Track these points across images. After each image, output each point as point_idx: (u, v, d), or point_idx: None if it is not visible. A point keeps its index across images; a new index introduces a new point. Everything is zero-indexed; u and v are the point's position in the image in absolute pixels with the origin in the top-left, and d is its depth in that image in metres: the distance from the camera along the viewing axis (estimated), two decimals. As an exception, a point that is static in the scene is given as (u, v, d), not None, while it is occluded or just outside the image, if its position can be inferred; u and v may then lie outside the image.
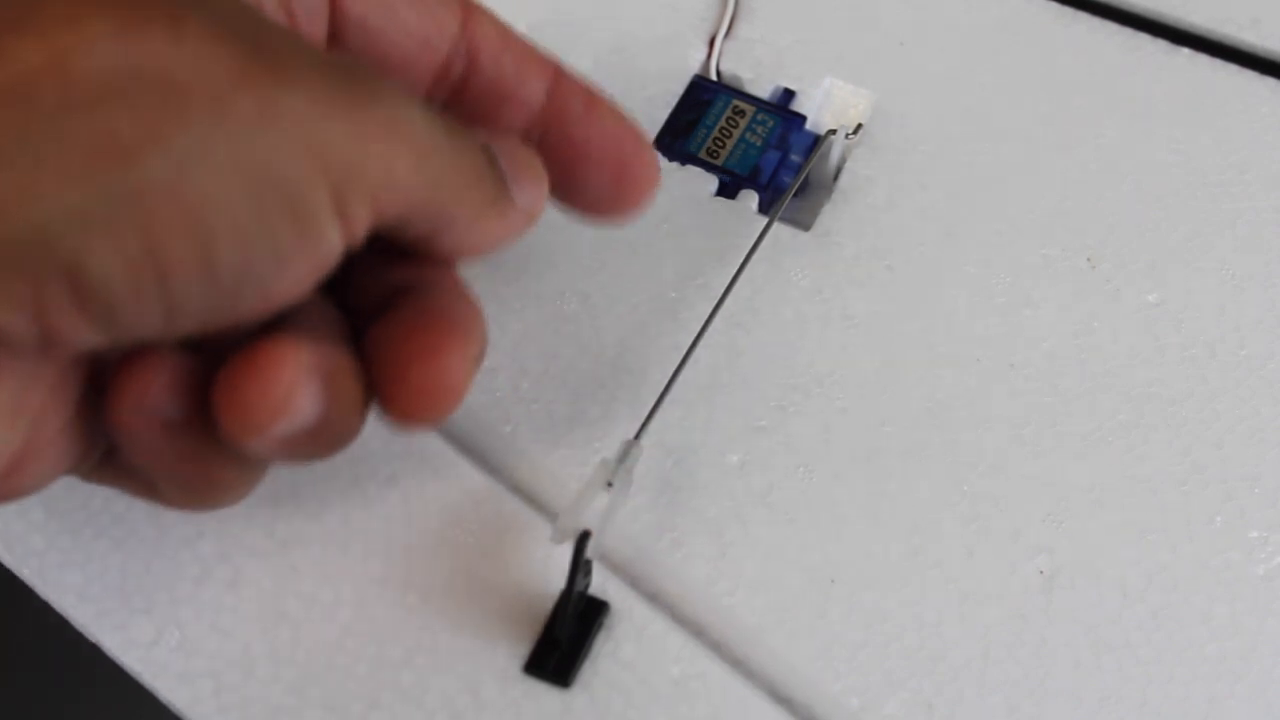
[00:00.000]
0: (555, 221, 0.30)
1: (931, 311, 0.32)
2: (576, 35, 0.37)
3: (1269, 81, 0.35)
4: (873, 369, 0.31)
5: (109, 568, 0.29)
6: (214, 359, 0.23)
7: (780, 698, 0.27)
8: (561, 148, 0.27)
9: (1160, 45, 0.36)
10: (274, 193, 0.21)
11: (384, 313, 0.25)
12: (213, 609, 0.28)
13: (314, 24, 0.25)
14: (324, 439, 0.24)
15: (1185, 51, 0.36)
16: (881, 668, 0.27)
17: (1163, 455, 0.30)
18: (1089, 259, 0.32)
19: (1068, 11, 0.37)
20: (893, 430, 0.30)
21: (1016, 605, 0.28)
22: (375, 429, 0.30)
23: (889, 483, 0.29)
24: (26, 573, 0.29)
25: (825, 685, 0.27)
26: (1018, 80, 0.36)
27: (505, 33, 0.27)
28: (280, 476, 0.30)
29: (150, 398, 0.23)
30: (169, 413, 0.23)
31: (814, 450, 0.30)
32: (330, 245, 0.22)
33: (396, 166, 0.22)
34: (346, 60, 0.22)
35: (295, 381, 0.22)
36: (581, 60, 0.36)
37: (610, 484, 0.27)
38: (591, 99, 0.27)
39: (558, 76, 0.27)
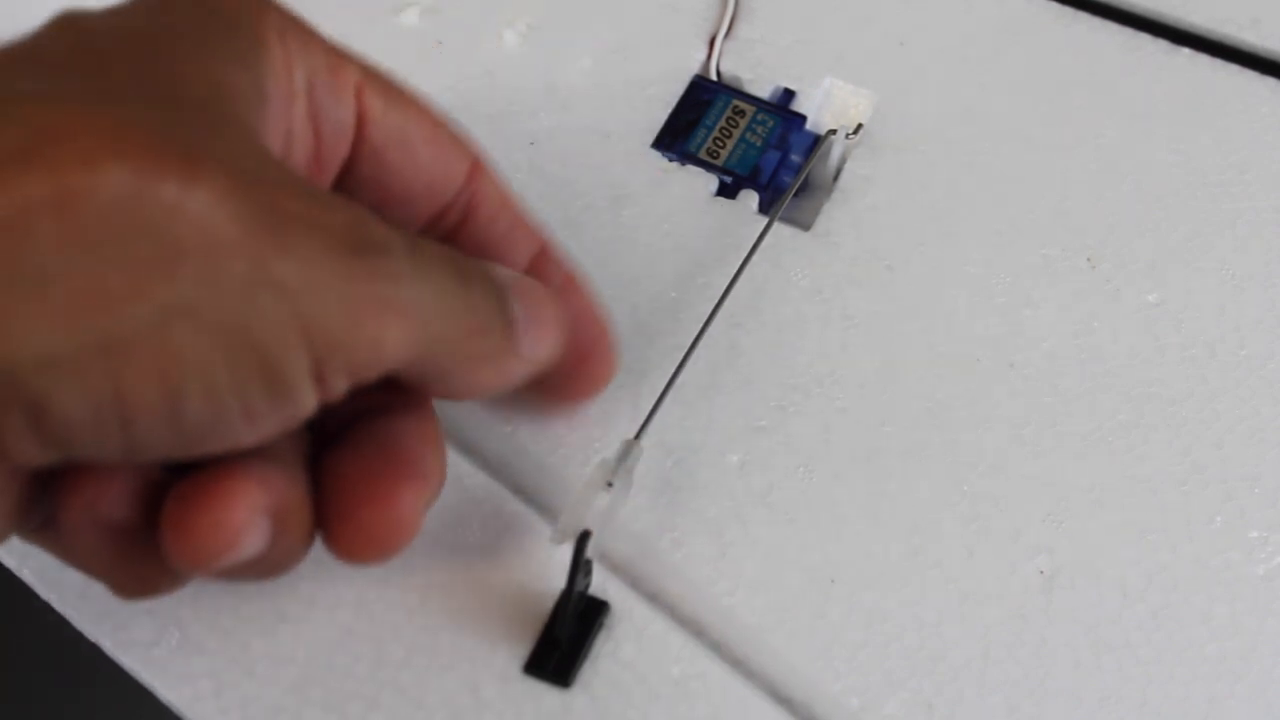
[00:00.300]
0: (556, 221, 0.30)
1: (931, 311, 0.32)
2: (577, 35, 0.37)
3: (1269, 81, 0.35)
4: (873, 369, 0.31)
5: (109, 568, 0.29)
6: (169, 469, 0.23)
7: (780, 698, 0.27)
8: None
9: (1160, 45, 0.36)
10: (251, 357, 0.21)
11: (346, 433, 0.25)
12: (213, 609, 0.28)
13: (338, 146, 0.25)
14: (265, 568, 0.24)
15: (1185, 51, 0.36)
16: (881, 668, 0.27)
17: (1163, 455, 0.30)
18: (1089, 259, 0.32)
19: (1068, 11, 0.37)
20: (893, 430, 0.30)
21: (1016, 605, 0.28)
22: (375, 429, 0.30)
23: (889, 483, 0.29)
24: (26, 573, 0.29)
25: (825, 685, 0.27)
26: (1018, 80, 0.36)
27: (505, 196, 0.27)
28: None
29: (102, 505, 0.22)
30: (117, 519, 0.23)
31: (814, 450, 0.30)
32: (303, 407, 0.22)
33: (387, 340, 0.22)
34: (360, 223, 0.22)
35: (246, 522, 0.22)
36: (582, 60, 0.36)
37: (610, 484, 0.27)
38: (570, 281, 0.28)
39: (544, 250, 0.28)
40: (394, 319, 0.22)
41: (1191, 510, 0.29)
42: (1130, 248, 0.33)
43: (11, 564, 0.29)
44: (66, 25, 0.22)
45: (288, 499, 0.23)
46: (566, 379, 0.28)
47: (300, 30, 0.24)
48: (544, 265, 0.28)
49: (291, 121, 0.24)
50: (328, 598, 0.28)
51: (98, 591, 0.28)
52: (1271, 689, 0.27)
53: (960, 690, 0.27)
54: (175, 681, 0.27)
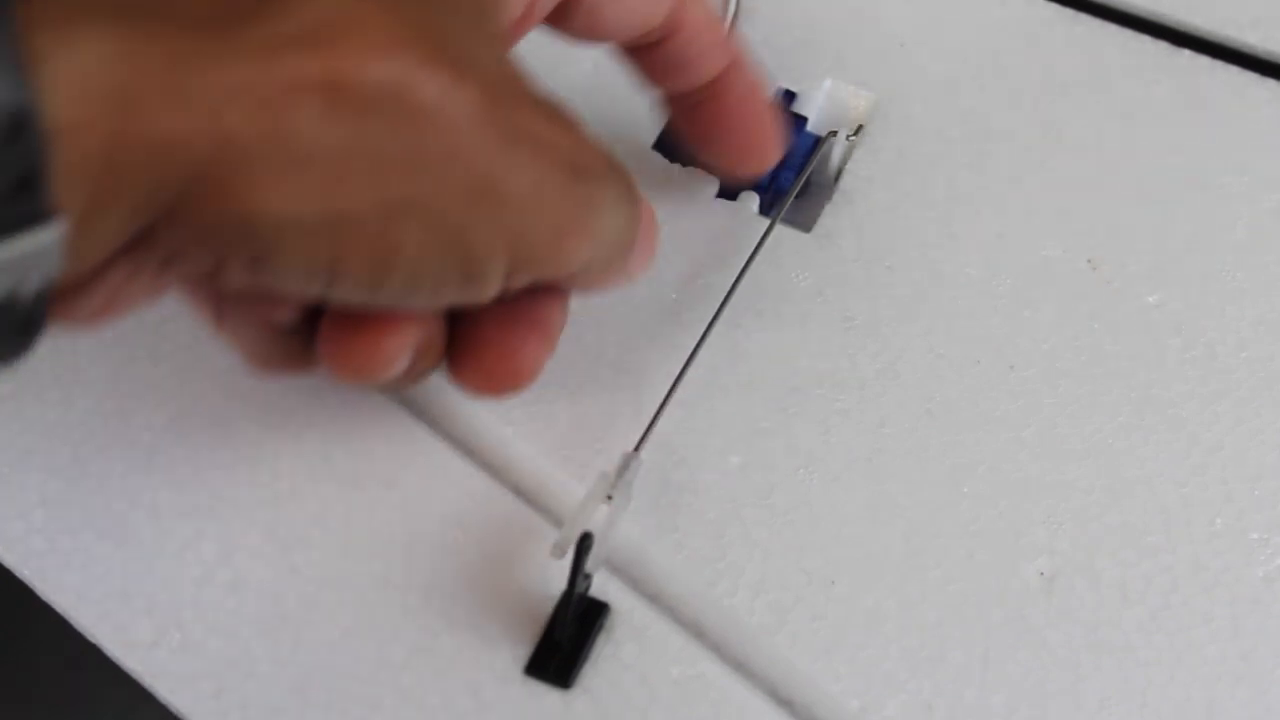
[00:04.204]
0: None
1: (932, 313, 0.32)
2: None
3: (1269, 83, 0.35)
4: (873, 370, 0.31)
5: (109, 568, 0.29)
6: None
7: (780, 699, 0.27)
8: (710, 119, 0.31)
9: (1161, 47, 0.36)
10: (459, 255, 0.23)
11: None
12: (214, 610, 0.28)
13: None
14: (392, 385, 0.27)
15: (1186, 53, 0.36)
16: (882, 669, 0.27)
17: (1163, 457, 0.30)
18: (1089, 260, 0.32)
19: (1068, 13, 0.37)
20: (893, 432, 0.30)
21: (1017, 607, 0.28)
22: (376, 430, 0.30)
23: (889, 484, 0.29)
24: (26, 573, 0.29)
25: (825, 686, 0.27)
26: (1018, 82, 0.36)
27: (706, 21, 0.29)
28: (281, 477, 0.30)
29: (275, 313, 0.25)
30: (282, 323, 0.25)
31: (814, 452, 0.30)
32: (485, 297, 0.24)
33: (574, 259, 0.25)
34: (581, 148, 0.24)
35: (397, 354, 0.25)
36: (583, 62, 0.36)
37: (610, 497, 0.27)
38: (753, 90, 0.31)
39: (734, 62, 0.30)
40: (586, 241, 0.25)
41: (1192, 512, 0.29)
42: (1131, 249, 0.33)
43: (11, 564, 0.29)
44: None
45: (432, 336, 0.26)
46: (737, 162, 0.32)
47: None
48: (732, 75, 0.30)
49: None
50: (328, 599, 0.28)
51: (98, 592, 0.28)
52: (1272, 690, 0.27)
53: (960, 691, 0.27)
54: (176, 683, 0.27)
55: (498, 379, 0.27)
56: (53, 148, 0.17)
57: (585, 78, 0.35)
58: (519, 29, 0.27)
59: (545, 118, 0.24)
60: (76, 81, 0.18)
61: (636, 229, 0.26)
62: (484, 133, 0.22)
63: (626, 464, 0.28)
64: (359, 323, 0.24)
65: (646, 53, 0.29)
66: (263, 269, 0.21)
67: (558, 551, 0.26)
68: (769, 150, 0.31)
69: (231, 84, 0.19)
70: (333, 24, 0.20)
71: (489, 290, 0.24)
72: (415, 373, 0.26)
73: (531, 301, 0.26)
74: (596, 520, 0.27)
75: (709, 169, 0.34)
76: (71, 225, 0.18)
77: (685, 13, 0.28)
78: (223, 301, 0.26)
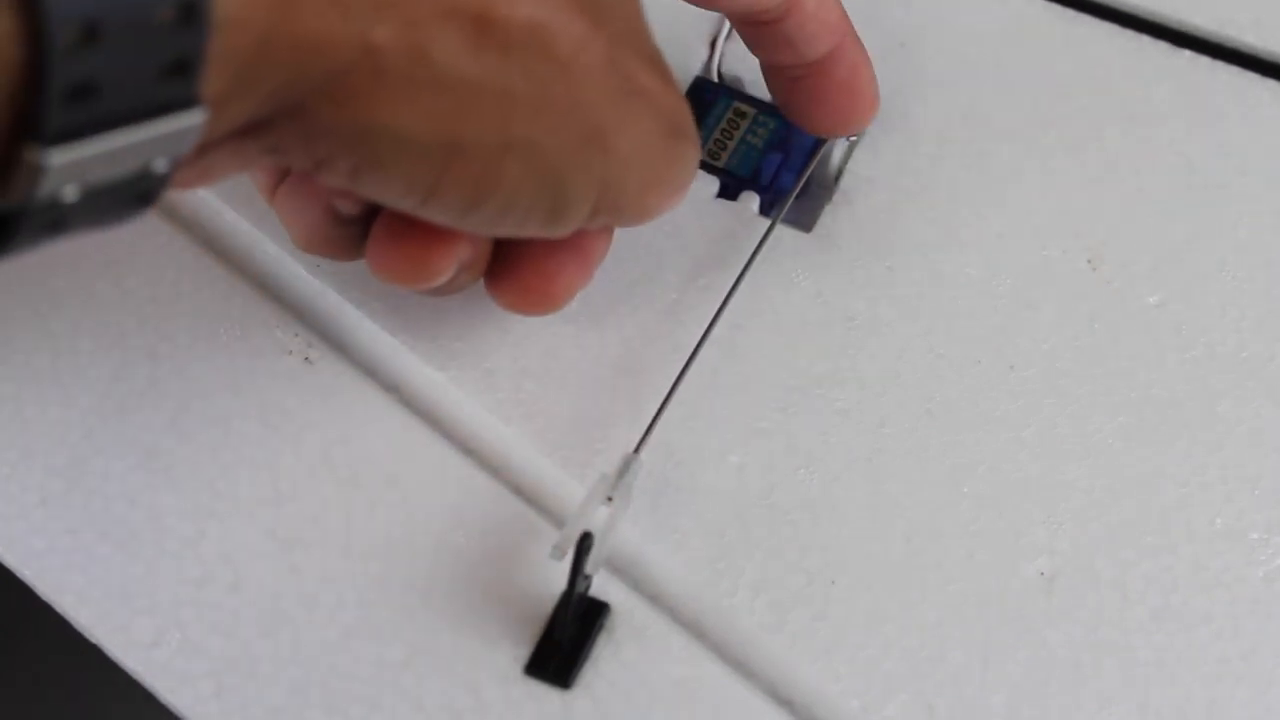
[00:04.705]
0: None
1: (932, 313, 0.32)
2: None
3: (1270, 83, 0.35)
4: (873, 370, 0.31)
5: (110, 568, 0.29)
6: None
7: (781, 699, 0.27)
8: (811, 93, 0.31)
9: (1161, 47, 0.36)
10: (552, 196, 0.23)
11: None
12: (214, 610, 0.28)
13: None
14: (435, 292, 0.27)
15: (1186, 53, 0.36)
16: (882, 669, 0.27)
17: (1163, 457, 0.30)
18: (1089, 260, 0.32)
19: (1069, 13, 0.37)
20: (893, 432, 0.30)
21: (1017, 607, 0.28)
22: (376, 430, 0.30)
23: (889, 484, 0.29)
24: (27, 573, 0.29)
25: (826, 687, 0.27)
26: (1019, 82, 0.36)
27: (824, 1, 0.30)
28: (281, 477, 0.30)
29: (339, 201, 0.26)
30: (344, 214, 0.26)
31: (814, 451, 0.30)
32: (561, 234, 0.25)
33: (653, 212, 0.26)
34: (681, 110, 0.26)
35: (445, 266, 0.25)
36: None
37: (610, 499, 0.27)
38: (857, 68, 0.31)
39: (843, 42, 0.30)
40: (667, 196, 0.26)
41: (1192, 512, 0.29)
42: (1131, 249, 0.33)
43: (12, 564, 0.29)
44: None
45: (478, 251, 0.27)
46: (830, 127, 0.32)
47: None
48: (839, 54, 0.30)
49: None
50: (328, 599, 0.28)
51: (98, 592, 0.28)
52: (1272, 690, 0.27)
53: (960, 692, 0.27)
54: (176, 683, 0.27)
55: (532, 300, 0.28)
56: (213, 39, 0.18)
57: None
58: None
59: (658, 73, 0.25)
60: None
61: (694, 176, 0.28)
62: (606, 84, 0.23)
63: (626, 465, 0.28)
64: (413, 230, 0.25)
65: (759, 28, 0.30)
66: (364, 178, 0.22)
67: (557, 553, 0.26)
68: (864, 119, 0.32)
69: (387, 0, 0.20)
70: None
71: (569, 229, 0.25)
72: (456, 284, 0.27)
73: (580, 230, 0.27)
74: (596, 522, 0.27)
75: (712, 168, 0.34)
76: (209, 110, 0.19)
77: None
78: (285, 174, 0.26)
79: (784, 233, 0.33)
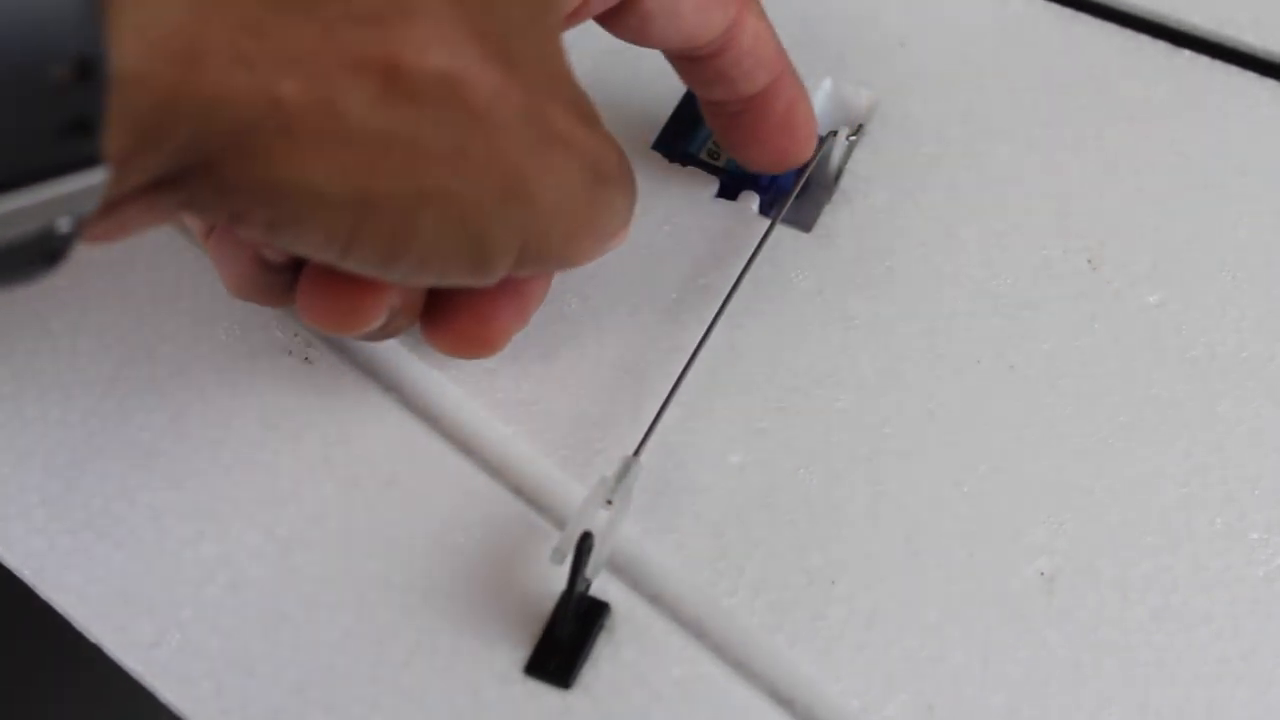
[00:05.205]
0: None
1: (932, 313, 0.32)
2: (578, 34, 0.37)
3: (1269, 83, 0.35)
4: (873, 370, 0.31)
5: (109, 569, 0.29)
6: None
7: (781, 699, 0.27)
8: (747, 129, 0.31)
9: (1160, 47, 0.36)
10: (472, 248, 0.23)
11: None
12: (214, 610, 0.28)
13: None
14: (366, 337, 0.27)
15: (1186, 53, 0.36)
16: (882, 669, 0.27)
17: (1163, 457, 0.30)
18: (1089, 260, 0.32)
19: (1068, 13, 0.37)
20: (893, 431, 0.30)
21: (1017, 607, 0.28)
22: (376, 430, 0.30)
23: (889, 483, 0.29)
24: (27, 573, 0.29)
25: (826, 687, 0.27)
26: (1018, 81, 0.36)
27: (758, 40, 0.29)
28: (281, 477, 0.30)
29: (267, 251, 0.26)
30: (274, 263, 0.26)
31: (814, 451, 0.30)
32: (487, 284, 0.25)
33: (581, 258, 0.26)
34: (605, 153, 0.25)
35: (376, 313, 0.25)
36: (582, 60, 0.36)
37: (610, 501, 0.27)
38: (794, 103, 0.31)
39: (780, 77, 0.30)
40: (595, 242, 0.26)
41: (1192, 512, 0.29)
42: (1131, 249, 0.33)
43: (12, 564, 0.29)
44: None
45: (410, 297, 0.26)
46: (768, 166, 0.32)
47: None
48: (776, 89, 0.30)
49: None
50: (328, 598, 0.28)
51: (98, 592, 0.28)
52: (1272, 690, 0.27)
53: (961, 692, 0.27)
54: (176, 682, 0.27)
55: (466, 344, 0.28)
56: (114, 96, 0.17)
57: (586, 75, 0.35)
58: (572, 20, 0.27)
59: (579, 117, 0.24)
60: (147, 34, 0.18)
61: (629, 220, 0.27)
62: (523, 132, 0.22)
63: (626, 468, 0.28)
64: (342, 277, 0.25)
65: (694, 63, 0.30)
66: (279, 232, 0.22)
67: (558, 556, 0.26)
68: (801, 156, 0.32)
69: (293, 52, 0.19)
70: (399, 5, 0.20)
71: (493, 279, 0.24)
72: (391, 329, 0.27)
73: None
74: (596, 525, 0.27)
75: (712, 167, 0.34)
76: (112, 168, 0.18)
77: (739, 33, 0.29)
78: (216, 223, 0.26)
79: (784, 232, 0.33)
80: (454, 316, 0.27)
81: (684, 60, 0.30)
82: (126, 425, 0.30)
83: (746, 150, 0.32)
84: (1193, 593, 0.28)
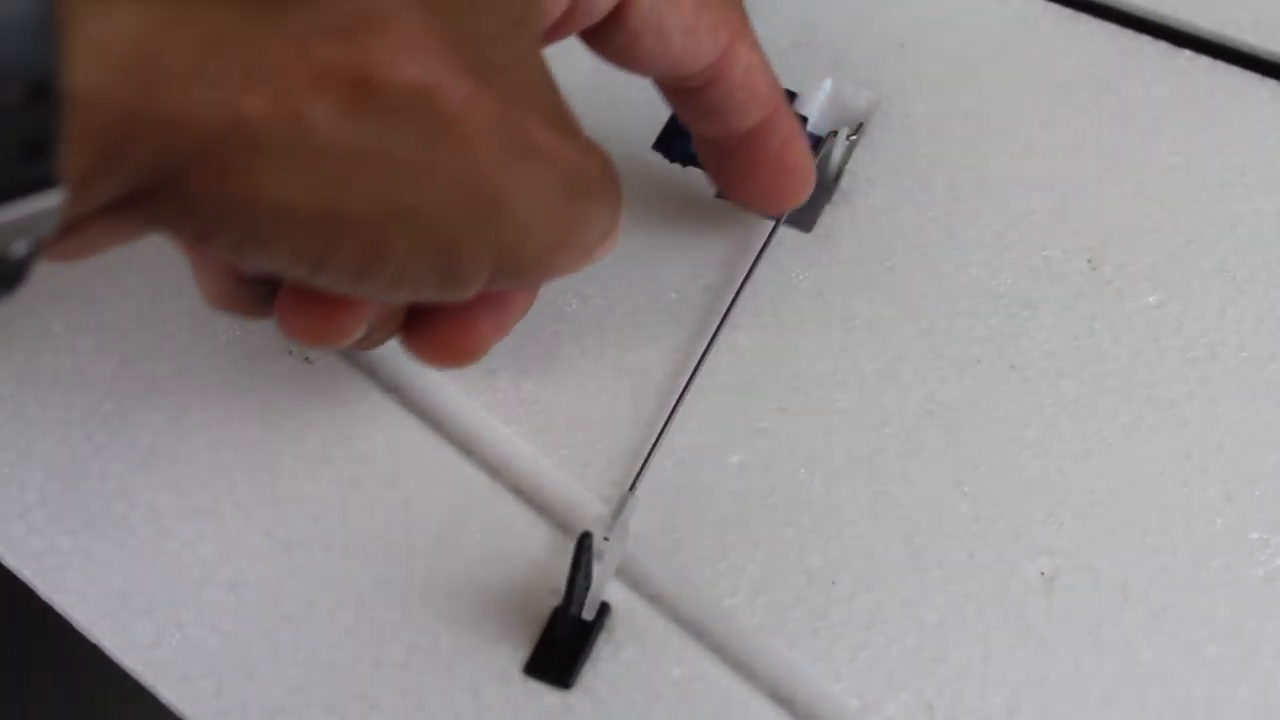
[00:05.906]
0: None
1: (932, 313, 0.32)
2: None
3: (1269, 83, 0.35)
4: (873, 370, 0.31)
5: (109, 569, 0.29)
6: None
7: (781, 699, 0.27)
8: (740, 166, 0.30)
9: (1161, 47, 0.36)
10: (445, 263, 0.23)
11: None
12: (214, 610, 0.28)
13: (596, 9, 0.26)
14: (348, 349, 0.27)
15: (1186, 53, 0.36)
16: (882, 669, 0.27)
17: (1163, 457, 0.30)
18: (1089, 260, 0.32)
19: (1068, 13, 0.37)
20: (893, 432, 0.30)
21: (1017, 607, 0.28)
22: (376, 430, 0.30)
23: (889, 484, 0.29)
24: (27, 573, 0.29)
25: (826, 686, 0.27)
26: (1019, 82, 0.36)
27: (750, 73, 0.28)
28: (281, 477, 0.30)
29: (243, 266, 0.25)
30: (250, 276, 0.26)
31: (815, 451, 0.30)
32: (462, 299, 0.24)
33: (557, 272, 0.25)
34: (584, 164, 0.24)
35: (355, 326, 0.25)
36: (582, 62, 0.36)
37: (606, 539, 0.27)
38: (790, 140, 0.30)
39: (775, 111, 0.29)
40: (574, 255, 0.25)
41: (1192, 512, 0.29)
42: (1131, 249, 0.33)
43: (12, 564, 0.29)
44: None
45: (389, 309, 0.26)
46: (763, 206, 0.32)
47: None
48: (769, 126, 0.29)
49: None
50: (328, 599, 0.28)
51: (98, 592, 0.28)
52: (1272, 690, 0.27)
53: (961, 691, 0.27)
54: (176, 682, 0.27)
55: (445, 354, 0.27)
56: (69, 117, 0.17)
57: (586, 77, 0.35)
58: (554, 34, 0.26)
59: (555, 129, 0.23)
60: (103, 53, 0.17)
61: (614, 230, 0.26)
62: (497, 145, 0.22)
63: (622, 504, 0.28)
64: (319, 292, 0.24)
65: (685, 95, 0.29)
66: (248, 251, 0.21)
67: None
68: (797, 196, 0.31)
69: (258, 67, 0.19)
70: (369, 16, 0.20)
71: (468, 294, 0.24)
72: (372, 341, 0.27)
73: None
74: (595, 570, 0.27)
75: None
76: (71, 189, 0.18)
77: (730, 64, 0.28)
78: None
79: (784, 233, 0.33)
80: (432, 326, 0.27)
81: (675, 92, 0.29)
82: (126, 425, 0.30)
83: (741, 189, 0.31)
84: (1193, 593, 0.28)
